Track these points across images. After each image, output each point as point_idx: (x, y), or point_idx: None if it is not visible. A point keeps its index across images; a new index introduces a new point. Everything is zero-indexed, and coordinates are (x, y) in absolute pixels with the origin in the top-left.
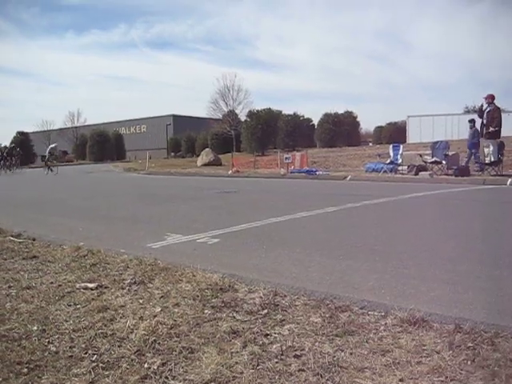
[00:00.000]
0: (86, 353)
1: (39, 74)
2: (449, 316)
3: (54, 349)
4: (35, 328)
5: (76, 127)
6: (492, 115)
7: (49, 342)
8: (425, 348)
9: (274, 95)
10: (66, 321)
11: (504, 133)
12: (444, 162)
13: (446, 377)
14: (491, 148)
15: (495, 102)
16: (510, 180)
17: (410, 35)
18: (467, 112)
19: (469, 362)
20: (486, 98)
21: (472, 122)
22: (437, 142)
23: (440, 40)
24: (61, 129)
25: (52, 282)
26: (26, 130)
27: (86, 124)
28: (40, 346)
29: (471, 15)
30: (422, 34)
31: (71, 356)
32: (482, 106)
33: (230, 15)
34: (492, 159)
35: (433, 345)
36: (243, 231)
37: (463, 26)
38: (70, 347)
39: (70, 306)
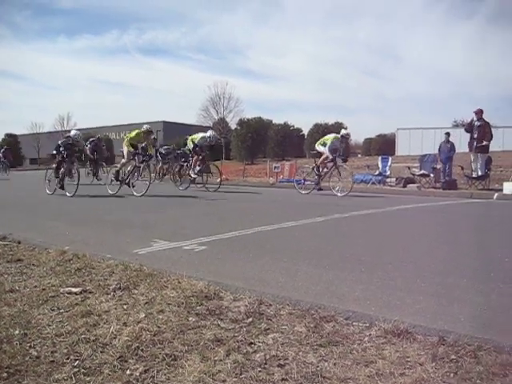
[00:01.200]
0: (67, 358)
1: (32, 77)
2: (433, 328)
3: (36, 353)
4: (17, 332)
5: (65, 131)
6: (484, 129)
7: (30, 346)
8: (408, 360)
9: (265, 105)
10: (49, 325)
11: (491, 147)
12: (432, 175)
13: None
14: (479, 162)
15: (484, 116)
16: (496, 194)
17: (403, 49)
18: (456, 126)
19: (451, 375)
20: (476, 113)
21: (448, 134)
22: (425, 155)
23: (431, 55)
24: (50, 132)
25: (36, 286)
26: (14, 132)
27: (76, 128)
28: (21, 351)
29: (463, 32)
30: (414, 48)
31: (53, 361)
32: (472, 120)
33: (222, 24)
34: (479, 173)
35: (416, 356)
36: (230, 239)
37: (454, 42)
38: (51, 352)
39: (53, 310)
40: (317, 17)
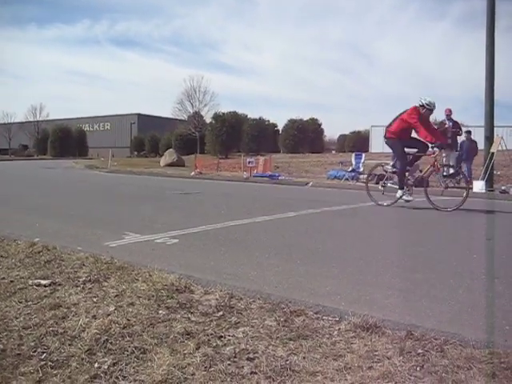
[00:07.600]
0: (34, 351)
1: (1, 65)
2: (401, 323)
3: (2, 346)
4: None
5: (38, 121)
6: (455, 128)
7: None
8: (376, 353)
9: (240, 99)
10: (16, 318)
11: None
12: None
13: (396, 382)
14: (451, 161)
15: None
16: (465, 192)
17: (374, 49)
18: None
19: (418, 368)
20: (446, 113)
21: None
22: None
23: (403, 55)
24: (22, 122)
25: (4, 278)
26: None
27: (49, 119)
28: None
29: (433, 33)
30: (385, 48)
31: (19, 354)
32: (443, 121)
33: (196, 18)
34: (451, 171)
35: (384, 350)
36: (203, 233)
37: (425, 43)
38: (18, 345)
39: (21, 302)
40: (290, 14)
